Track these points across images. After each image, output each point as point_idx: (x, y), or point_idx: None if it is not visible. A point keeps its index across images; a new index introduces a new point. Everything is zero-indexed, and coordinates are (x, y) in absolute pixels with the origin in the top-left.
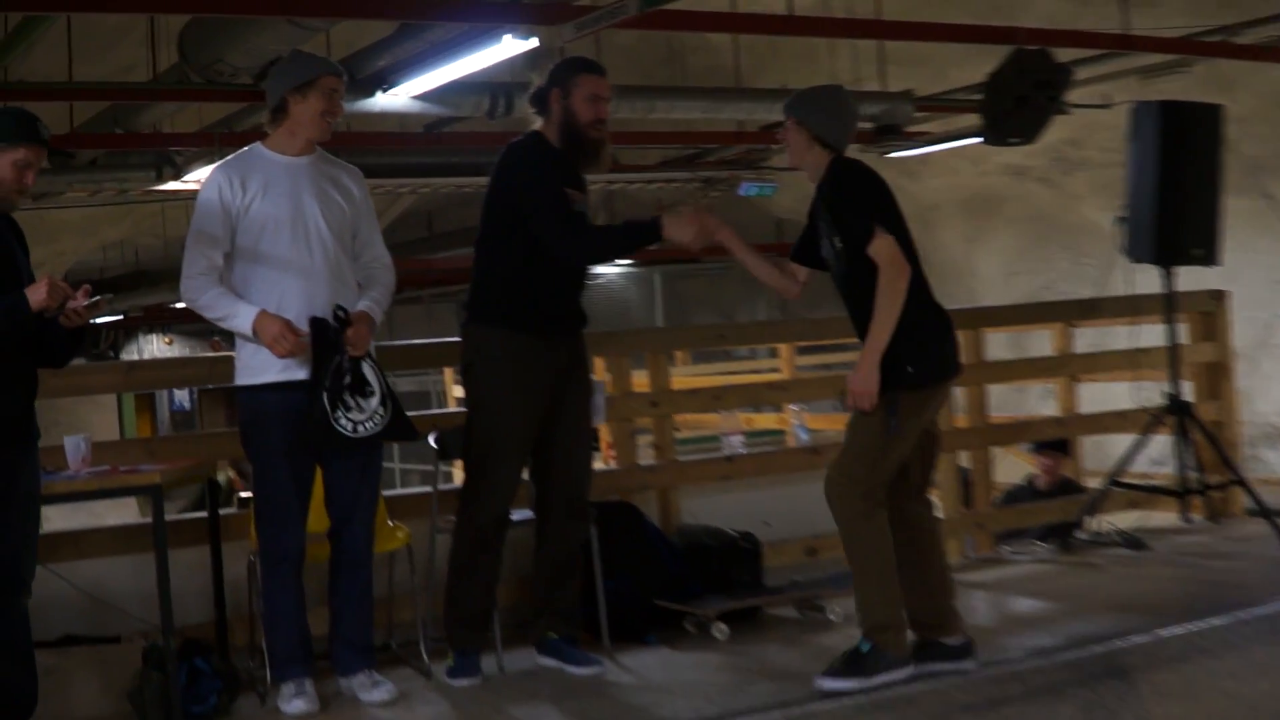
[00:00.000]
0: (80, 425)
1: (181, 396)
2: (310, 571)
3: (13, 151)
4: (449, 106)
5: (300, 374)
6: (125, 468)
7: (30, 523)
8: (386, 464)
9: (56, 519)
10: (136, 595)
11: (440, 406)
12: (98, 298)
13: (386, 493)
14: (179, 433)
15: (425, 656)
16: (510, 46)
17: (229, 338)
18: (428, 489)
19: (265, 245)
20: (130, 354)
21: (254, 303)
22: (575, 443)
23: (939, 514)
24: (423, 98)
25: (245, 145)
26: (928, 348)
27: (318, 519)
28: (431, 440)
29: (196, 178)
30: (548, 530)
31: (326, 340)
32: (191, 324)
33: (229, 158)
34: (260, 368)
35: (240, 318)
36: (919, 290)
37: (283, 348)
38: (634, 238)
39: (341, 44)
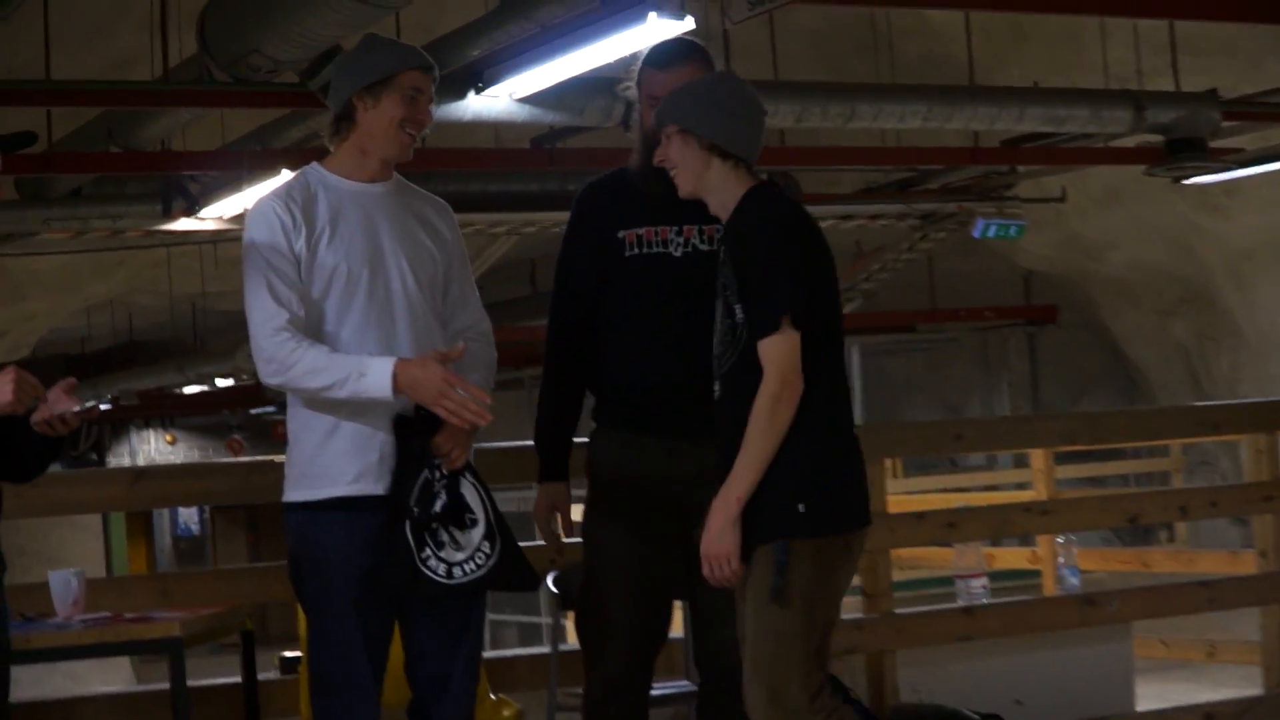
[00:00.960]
0: (56, 555)
1: (188, 517)
2: None
3: None
4: (568, 112)
5: (377, 488)
6: (132, 615)
7: None
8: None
9: (26, 683)
10: None
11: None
12: (90, 404)
13: (488, 654)
14: (202, 568)
15: None
16: (656, 29)
17: (256, 439)
18: (544, 650)
19: (333, 307)
20: (119, 457)
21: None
22: (715, 592)
23: None
24: (532, 100)
25: (284, 170)
26: (830, 480)
27: (396, 689)
28: (549, 583)
29: (218, 213)
30: (702, 709)
31: (409, 448)
32: (201, 417)
33: (282, 184)
34: (321, 477)
35: (371, 376)
36: (828, 401)
37: (457, 406)
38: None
39: (417, 27)
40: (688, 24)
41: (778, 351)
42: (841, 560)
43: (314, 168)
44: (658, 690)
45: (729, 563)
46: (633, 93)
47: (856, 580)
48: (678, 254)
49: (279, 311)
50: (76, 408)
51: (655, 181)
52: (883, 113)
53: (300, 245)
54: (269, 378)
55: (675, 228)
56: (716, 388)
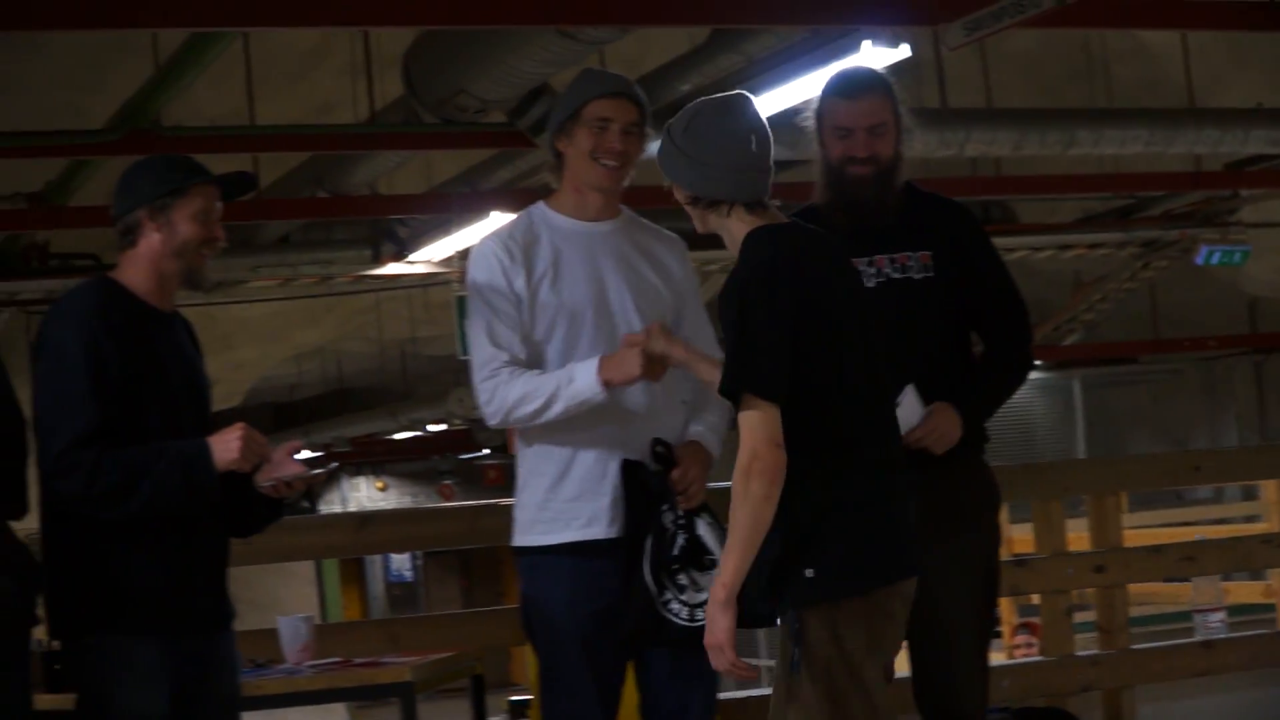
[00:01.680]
0: (269, 603)
1: (400, 563)
2: None
3: (186, 203)
4: (780, 146)
5: (609, 532)
6: (361, 660)
7: None
8: None
9: None
10: None
11: None
12: (319, 470)
13: (721, 695)
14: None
15: None
16: (870, 58)
17: (467, 484)
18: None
19: (556, 350)
20: (330, 503)
21: (536, 437)
22: (939, 627)
23: None
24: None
25: (494, 212)
26: (840, 539)
27: None
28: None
29: (427, 257)
30: None
31: (645, 490)
32: (412, 463)
33: (505, 225)
34: (553, 522)
35: (579, 381)
36: (832, 454)
37: (648, 373)
38: None
39: (622, 63)
40: (903, 52)
41: (747, 424)
42: (874, 620)
43: (539, 207)
44: None
45: (724, 653)
46: (810, 123)
47: (1090, 616)
48: (871, 284)
49: (496, 355)
50: (303, 472)
51: (842, 214)
52: (1103, 138)
53: (521, 286)
54: (492, 419)
55: (867, 259)
56: None
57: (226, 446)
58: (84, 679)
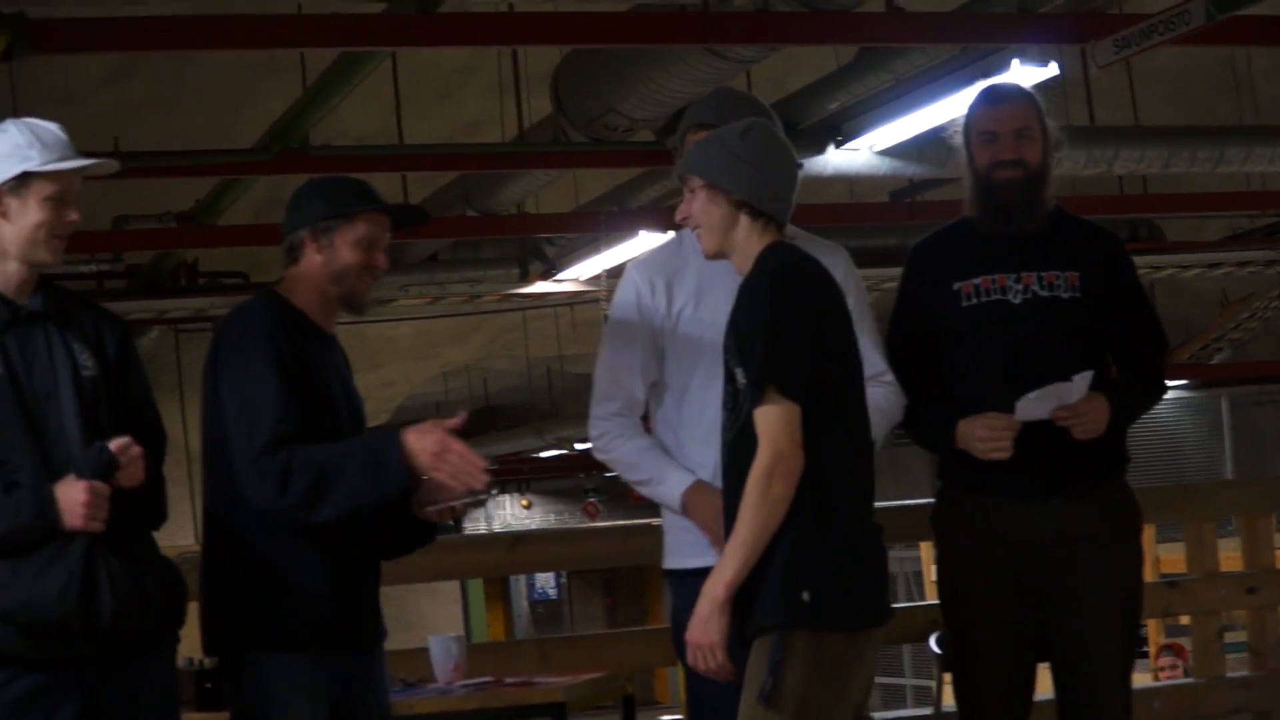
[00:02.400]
0: (415, 621)
1: (545, 581)
2: None
3: (350, 228)
4: (929, 164)
5: None
6: (513, 679)
7: None
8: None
9: None
10: None
11: (911, 595)
12: (480, 495)
13: (877, 715)
14: (573, 631)
15: None
16: (1019, 76)
17: (612, 502)
18: (924, 712)
19: (697, 384)
20: (475, 521)
21: (687, 458)
22: (1082, 649)
23: None
24: (892, 152)
25: (644, 229)
26: (845, 569)
27: None
28: (933, 643)
29: (575, 275)
30: None
31: None
32: (559, 480)
33: (649, 251)
34: (697, 545)
35: (667, 485)
36: (847, 481)
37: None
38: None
39: (768, 82)
40: (1051, 70)
41: (771, 422)
42: (850, 662)
43: (688, 232)
44: None
45: (714, 653)
46: (959, 139)
47: (1241, 636)
48: (1017, 301)
49: (614, 396)
50: (465, 497)
51: (994, 220)
52: (1252, 155)
53: (661, 317)
54: (596, 454)
55: (1014, 275)
56: (723, 456)
57: (424, 443)
58: (241, 696)
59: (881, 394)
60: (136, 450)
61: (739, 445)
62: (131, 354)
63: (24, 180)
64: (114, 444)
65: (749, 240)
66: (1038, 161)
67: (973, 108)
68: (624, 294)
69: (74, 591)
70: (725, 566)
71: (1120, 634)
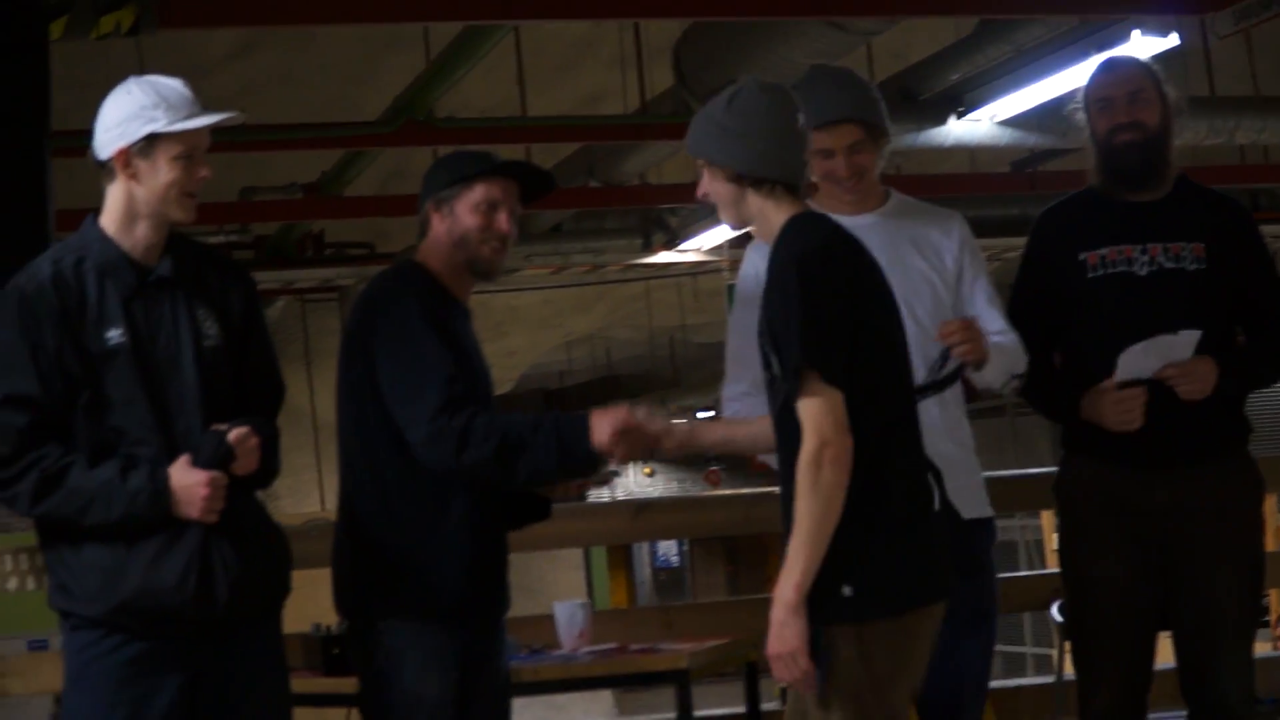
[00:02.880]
0: (538, 588)
1: (667, 549)
2: None
3: (468, 193)
4: (1050, 134)
5: None
6: (638, 646)
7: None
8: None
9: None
10: None
11: (1032, 564)
12: (613, 473)
13: (995, 684)
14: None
15: None
16: (1139, 47)
17: (733, 470)
18: (1049, 680)
19: None
20: (598, 489)
21: None
22: (1204, 618)
23: None
24: (1013, 123)
25: None
26: (881, 555)
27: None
28: (1054, 611)
29: (697, 245)
30: None
31: None
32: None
33: None
34: None
35: None
36: (878, 464)
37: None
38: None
39: (888, 54)
40: (1171, 41)
41: (814, 410)
42: (904, 644)
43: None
44: None
45: (796, 661)
46: (1080, 114)
47: None
48: (1142, 273)
49: (740, 377)
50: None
51: (1116, 186)
52: None
53: None
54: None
55: (1139, 246)
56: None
57: (604, 425)
58: (373, 663)
59: (1006, 340)
60: (254, 442)
61: (780, 431)
62: (256, 311)
63: (152, 141)
64: (232, 435)
65: (764, 210)
66: (1155, 124)
67: (1089, 80)
68: (745, 274)
69: (192, 581)
70: (791, 568)
71: (1241, 602)
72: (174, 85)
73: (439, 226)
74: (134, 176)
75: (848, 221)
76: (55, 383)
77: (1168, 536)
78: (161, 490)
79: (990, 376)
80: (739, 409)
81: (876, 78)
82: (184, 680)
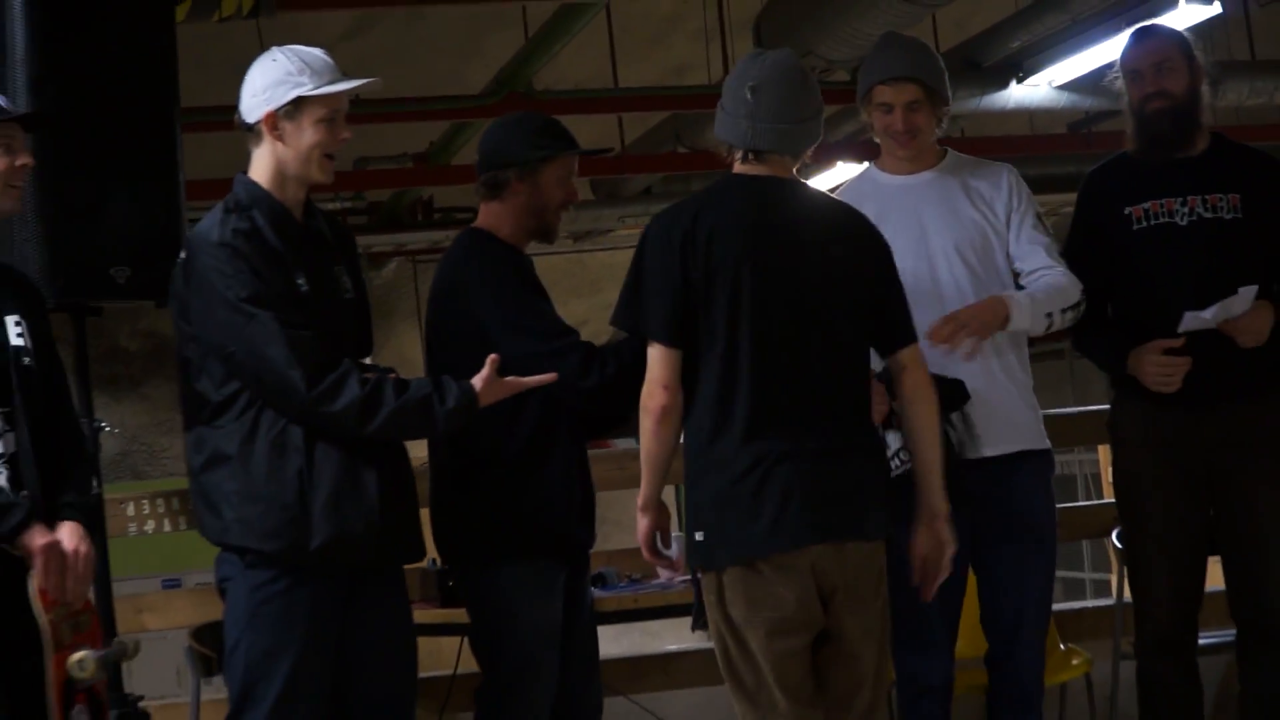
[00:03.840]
0: (629, 523)
1: None
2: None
3: (554, 168)
4: (1105, 97)
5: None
6: None
7: (593, 644)
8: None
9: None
10: None
11: (1090, 495)
12: None
13: (1059, 606)
14: None
15: None
16: (1186, 15)
17: None
18: (1109, 602)
19: None
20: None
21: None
22: (1250, 542)
23: None
24: (1070, 86)
25: (841, 161)
26: (723, 505)
27: (969, 643)
28: (1114, 539)
29: None
30: (1246, 664)
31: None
32: None
33: (838, 191)
34: None
35: None
36: (721, 420)
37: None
38: None
39: (951, 24)
40: (1215, 9)
41: (649, 361)
42: (757, 589)
43: (869, 168)
44: (1205, 640)
45: (648, 551)
46: (1119, 81)
47: None
48: (1183, 223)
49: None
50: None
51: (1150, 150)
52: None
53: None
54: None
55: (1180, 199)
56: None
57: None
58: (481, 601)
59: (1052, 276)
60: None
61: None
62: (360, 269)
63: (297, 105)
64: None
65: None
66: (1182, 90)
67: (1123, 51)
68: None
69: (364, 525)
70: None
71: None
72: (316, 53)
73: (520, 193)
74: (280, 138)
75: (906, 180)
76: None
77: (1214, 469)
78: (474, 400)
79: (1025, 323)
80: None
81: (941, 47)
82: (343, 618)
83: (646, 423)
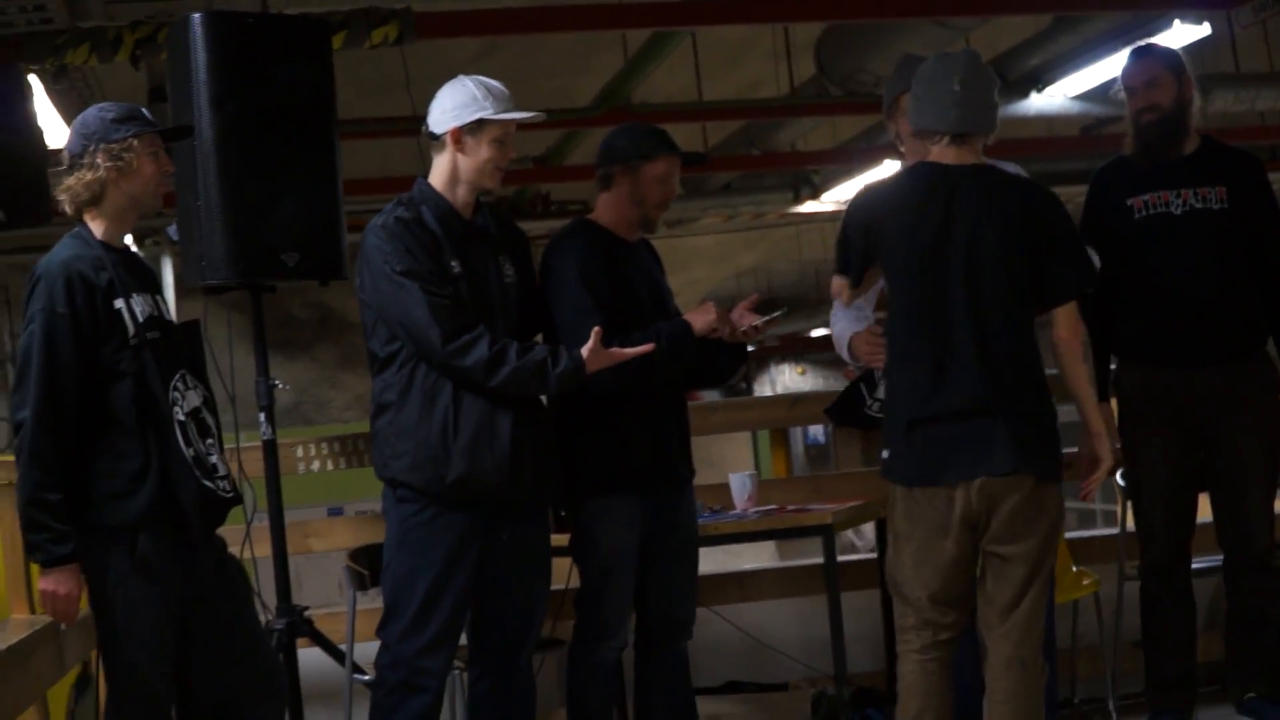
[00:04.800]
0: (716, 461)
1: (816, 430)
2: None
3: (652, 168)
4: (1112, 105)
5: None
6: (793, 506)
7: (689, 564)
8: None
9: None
10: (801, 641)
11: None
12: (774, 314)
13: (1070, 534)
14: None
15: (1114, 714)
16: (1179, 34)
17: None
18: (1111, 531)
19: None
20: (763, 385)
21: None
22: (1232, 480)
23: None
24: (1082, 97)
25: (887, 160)
26: (908, 436)
27: None
28: (1119, 478)
29: (834, 198)
30: (1231, 585)
31: None
32: (824, 354)
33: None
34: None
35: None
36: (909, 360)
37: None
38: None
39: (982, 45)
40: (1204, 29)
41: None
42: (924, 512)
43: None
44: (1197, 564)
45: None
46: (1122, 95)
47: None
48: (1178, 212)
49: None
50: (759, 319)
51: (1143, 155)
52: None
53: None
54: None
55: (1174, 191)
56: None
57: (703, 315)
58: (573, 526)
59: None
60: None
61: None
62: (530, 257)
63: (479, 125)
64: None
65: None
66: (1170, 102)
67: (1122, 69)
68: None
69: (506, 465)
70: None
71: (1264, 469)
72: (496, 84)
73: (624, 186)
74: (461, 150)
75: None
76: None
77: (1203, 420)
78: (582, 367)
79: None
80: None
81: None
82: (482, 548)
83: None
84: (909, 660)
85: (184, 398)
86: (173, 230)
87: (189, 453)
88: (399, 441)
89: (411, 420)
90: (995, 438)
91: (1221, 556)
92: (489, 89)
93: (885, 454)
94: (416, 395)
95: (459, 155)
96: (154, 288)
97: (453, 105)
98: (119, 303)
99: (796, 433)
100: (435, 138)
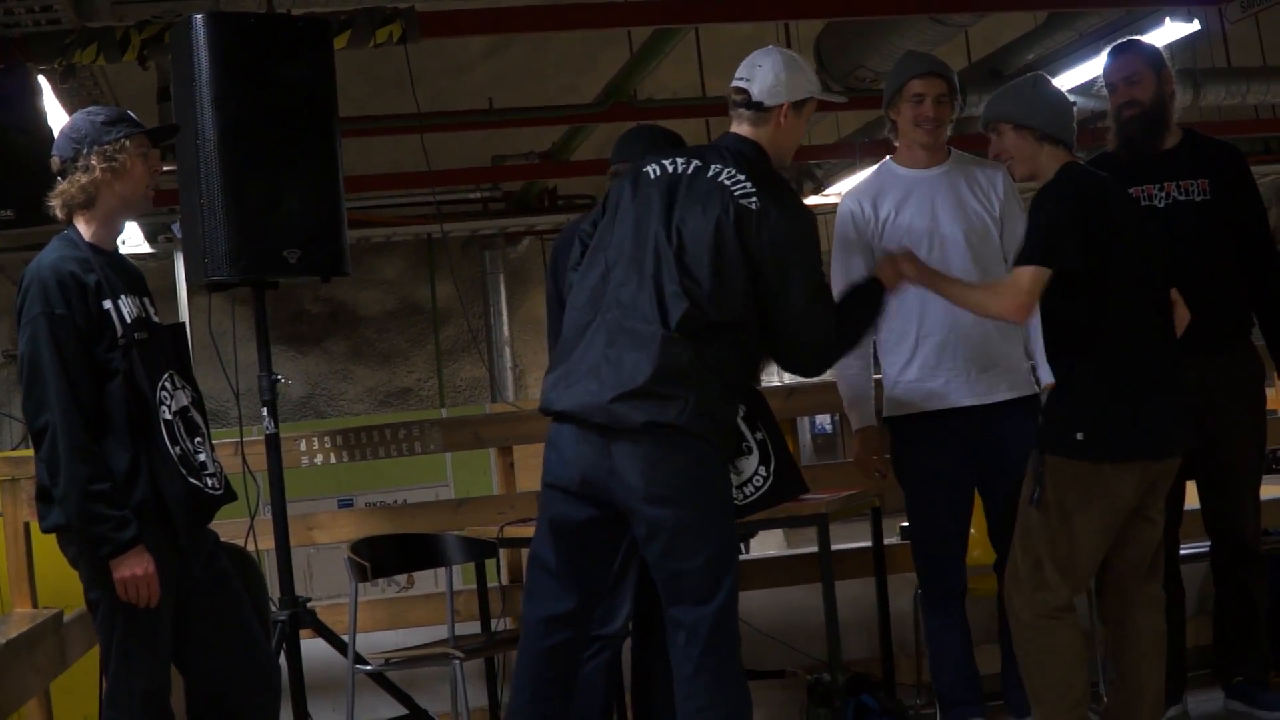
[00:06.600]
0: None
1: (823, 419)
2: (981, 606)
3: None
4: (1103, 101)
5: (965, 401)
6: None
7: None
8: None
9: None
10: (799, 628)
11: None
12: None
13: None
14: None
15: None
16: (1170, 30)
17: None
18: None
19: None
20: (768, 376)
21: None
22: (1220, 468)
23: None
24: (1076, 90)
25: (886, 155)
26: (1107, 413)
27: (986, 550)
28: None
29: (838, 190)
30: (1220, 571)
31: None
32: None
33: (861, 182)
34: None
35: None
36: (1118, 341)
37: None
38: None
39: (981, 40)
40: (1194, 26)
41: (1023, 276)
42: (1114, 482)
43: (886, 163)
44: (1186, 550)
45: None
46: (1104, 92)
47: None
48: (1162, 205)
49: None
50: None
51: (1125, 149)
52: None
53: (872, 229)
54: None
55: (1158, 184)
56: None
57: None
58: None
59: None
60: None
61: None
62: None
63: (803, 102)
64: None
65: (1051, 161)
66: (1149, 98)
67: (1103, 67)
68: (841, 216)
69: None
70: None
71: (1251, 456)
72: (812, 75)
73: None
74: (778, 125)
75: (921, 172)
76: None
77: (1205, 407)
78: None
79: None
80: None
81: (971, 59)
82: None
83: (996, 309)
84: (1064, 625)
85: (172, 397)
86: (176, 227)
87: (175, 451)
88: None
89: None
90: (1184, 416)
91: (1210, 543)
92: (807, 72)
93: (1079, 436)
94: None
95: (775, 131)
96: (141, 290)
97: (794, 83)
98: (107, 303)
99: (804, 422)
100: (763, 109)
